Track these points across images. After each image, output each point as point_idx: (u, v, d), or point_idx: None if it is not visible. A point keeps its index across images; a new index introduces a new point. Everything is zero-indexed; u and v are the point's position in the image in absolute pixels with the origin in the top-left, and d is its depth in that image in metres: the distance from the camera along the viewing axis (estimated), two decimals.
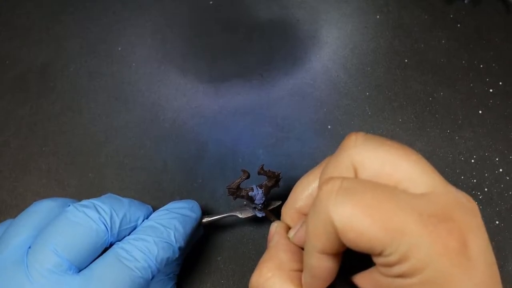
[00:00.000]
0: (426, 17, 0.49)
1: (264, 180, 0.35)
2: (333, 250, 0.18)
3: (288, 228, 0.25)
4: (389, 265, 0.17)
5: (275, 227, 0.24)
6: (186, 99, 0.47)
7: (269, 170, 0.34)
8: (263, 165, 0.33)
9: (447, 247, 0.16)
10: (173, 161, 0.44)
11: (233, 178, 0.36)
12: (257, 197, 0.35)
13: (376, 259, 0.18)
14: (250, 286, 0.21)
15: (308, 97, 0.46)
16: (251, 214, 0.37)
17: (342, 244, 0.18)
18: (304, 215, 0.24)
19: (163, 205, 0.35)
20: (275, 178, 0.35)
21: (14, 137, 0.46)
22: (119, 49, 0.49)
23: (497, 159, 0.43)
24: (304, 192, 0.24)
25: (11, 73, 0.49)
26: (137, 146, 0.45)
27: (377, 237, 0.16)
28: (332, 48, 0.49)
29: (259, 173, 0.34)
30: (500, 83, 0.46)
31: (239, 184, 0.34)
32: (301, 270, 0.21)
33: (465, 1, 0.49)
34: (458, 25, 0.49)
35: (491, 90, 0.46)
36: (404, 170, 0.18)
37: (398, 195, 0.17)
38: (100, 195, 0.32)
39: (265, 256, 0.22)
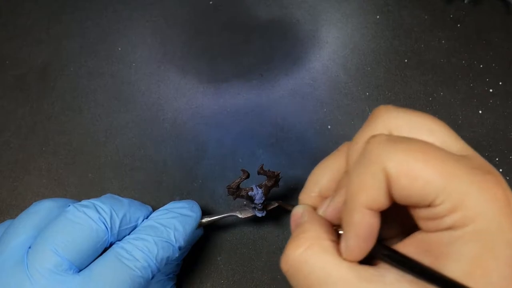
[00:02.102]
0: (426, 17, 0.49)
1: (263, 180, 0.35)
2: (379, 204, 0.18)
3: (314, 209, 0.24)
4: (439, 216, 0.17)
5: (302, 208, 0.23)
6: (186, 99, 0.47)
7: (268, 170, 0.34)
8: (262, 165, 0.33)
9: (496, 197, 0.16)
10: (173, 161, 0.44)
11: (233, 178, 0.36)
12: (257, 197, 0.34)
13: (423, 213, 0.17)
14: (285, 261, 0.19)
15: (308, 97, 0.46)
16: (251, 214, 0.37)
17: (389, 198, 0.17)
18: (325, 198, 0.23)
19: (163, 205, 0.36)
20: (274, 178, 0.35)
21: (14, 137, 0.46)
22: (119, 49, 0.49)
23: (497, 159, 0.43)
24: (324, 176, 0.23)
25: (11, 73, 0.49)
26: (137, 146, 0.45)
27: (432, 181, 0.16)
28: (332, 48, 0.49)
29: (259, 173, 0.34)
30: (500, 83, 0.46)
31: (239, 184, 0.34)
32: (337, 243, 0.20)
33: (465, 1, 0.49)
34: (458, 25, 0.49)
35: (491, 90, 0.46)
36: (440, 135, 0.18)
37: (443, 149, 0.17)
38: (100, 195, 0.32)
39: (297, 230, 0.20)
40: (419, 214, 0.18)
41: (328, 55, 0.48)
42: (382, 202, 0.18)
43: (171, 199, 0.42)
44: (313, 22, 0.50)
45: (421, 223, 0.18)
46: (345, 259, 0.19)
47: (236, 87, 0.47)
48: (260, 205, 0.35)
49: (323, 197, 0.23)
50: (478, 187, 0.16)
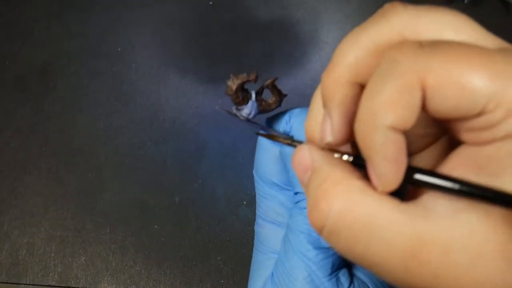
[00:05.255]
0: None
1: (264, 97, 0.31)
2: (409, 123, 0.14)
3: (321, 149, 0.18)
4: (493, 124, 0.14)
5: (308, 149, 0.18)
6: (186, 99, 0.47)
7: (279, 88, 0.29)
8: (277, 78, 0.29)
9: None
10: (173, 161, 0.44)
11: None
12: (253, 112, 0.29)
13: (470, 124, 0.14)
14: (315, 220, 0.16)
15: (308, 97, 0.46)
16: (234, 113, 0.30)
17: (417, 115, 0.14)
18: (362, 88, 0.18)
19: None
20: (280, 97, 0.30)
21: (14, 137, 0.46)
22: (119, 49, 0.49)
23: None
24: (358, 51, 0.17)
25: (11, 73, 0.49)
26: (137, 146, 0.45)
27: (482, 86, 0.13)
28: (332, 48, 0.49)
29: (267, 86, 0.29)
30: None
31: (243, 85, 0.28)
32: (365, 179, 0.16)
33: (465, 1, 0.49)
34: None
35: None
36: (467, 33, 0.15)
37: (483, 48, 0.15)
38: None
39: (317, 178, 0.16)
40: (464, 126, 0.15)
41: (328, 55, 0.48)
42: (413, 121, 0.14)
43: (171, 199, 0.42)
44: (313, 22, 0.50)
45: (466, 136, 0.15)
46: (382, 193, 0.15)
47: None
48: (247, 116, 0.29)
49: (359, 85, 0.17)
50: None
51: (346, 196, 0.15)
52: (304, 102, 0.46)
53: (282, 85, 0.47)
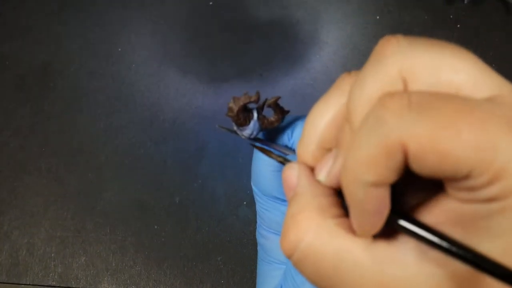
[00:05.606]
0: (426, 17, 0.49)
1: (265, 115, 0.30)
2: (390, 181, 0.14)
3: (311, 169, 0.19)
4: (476, 188, 0.14)
5: (297, 169, 0.18)
6: (186, 99, 0.47)
7: (281, 106, 0.28)
8: (279, 97, 0.28)
9: None
10: (173, 161, 0.44)
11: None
12: (254, 131, 0.28)
13: (456, 184, 0.14)
14: (286, 247, 0.16)
15: (308, 97, 0.46)
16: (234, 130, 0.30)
17: (400, 174, 0.14)
18: (328, 151, 0.19)
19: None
20: (282, 114, 0.29)
21: (14, 137, 0.46)
22: (119, 49, 0.49)
23: None
24: (323, 122, 0.18)
25: (11, 73, 0.49)
26: (137, 146, 0.45)
27: (466, 156, 0.13)
28: (332, 48, 0.49)
29: (269, 106, 0.28)
30: None
31: (245, 106, 0.27)
32: (344, 216, 0.17)
33: (465, 1, 0.49)
34: (458, 25, 0.49)
35: None
36: (465, 73, 0.15)
37: (477, 104, 0.14)
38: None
39: (296, 205, 0.17)
40: (448, 183, 0.15)
41: (328, 55, 0.48)
42: (394, 178, 0.14)
43: (171, 199, 0.42)
44: (313, 22, 0.50)
45: (451, 192, 0.15)
46: (358, 236, 0.16)
47: (236, 87, 0.47)
48: (249, 136, 0.29)
49: (325, 149, 0.18)
50: None
51: (316, 234, 0.16)
52: (304, 102, 0.46)
53: (282, 85, 0.47)
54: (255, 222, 0.41)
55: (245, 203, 0.37)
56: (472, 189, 0.14)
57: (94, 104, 0.47)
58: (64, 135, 0.46)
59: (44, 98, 0.47)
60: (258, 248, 0.31)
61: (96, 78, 0.48)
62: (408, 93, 0.14)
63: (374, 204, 0.15)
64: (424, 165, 0.14)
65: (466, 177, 0.14)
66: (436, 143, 0.13)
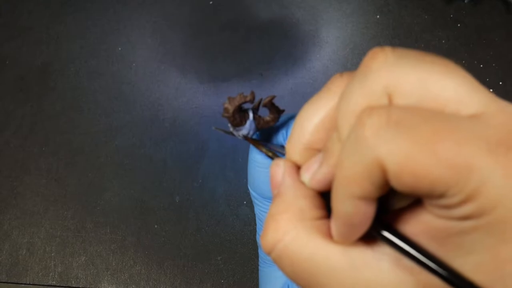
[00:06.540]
0: (426, 17, 0.49)
1: (259, 113, 0.30)
2: (374, 195, 0.15)
3: (297, 167, 0.20)
4: (451, 206, 0.14)
5: (282, 167, 0.19)
6: (186, 99, 0.47)
7: (276, 105, 0.28)
8: (274, 96, 0.28)
9: None
10: (173, 161, 0.44)
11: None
12: (250, 132, 0.29)
13: (432, 201, 0.15)
14: (265, 245, 0.17)
15: (308, 96, 0.46)
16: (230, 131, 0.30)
17: (387, 188, 0.15)
18: (316, 151, 0.19)
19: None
20: (278, 114, 0.29)
21: (14, 137, 0.46)
22: (119, 49, 0.49)
23: None
24: (312, 123, 0.19)
25: (11, 73, 0.49)
26: (137, 146, 0.45)
27: (441, 177, 0.13)
28: (332, 48, 0.49)
29: (264, 105, 0.28)
30: (500, 83, 0.46)
31: (240, 106, 0.27)
32: (324, 218, 0.17)
33: (465, 1, 0.49)
34: (458, 25, 0.49)
35: (491, 90, 0.46)
36: (452, 89, 0.15)
37: (459, 123, 0.14)
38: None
39: (278, 205, 0.17)
40: (425, 199, 0.15)
41: (328, 55, 0.48)
42: (378, 193, 0.15)
43: (171, 199, 0.42)
44: (313, 22, 0.50)
45: (428, 207, 0.15)
46: (335, 242, 0.16)
47: (236, 87, 0.47)
48: (245, 135, 0.29)
49: (312, 150, 0.19)
50: (501, 172, 0.13)
51: (293, 236, 0.16)
52: (304, 101, 0.46)
53: (282, 84, 0.47)
54: (255, 221, 0.41)
55: (245, 202, 0.37)
56: (447, 207, 0.14)
57: (94, 104, 0.47)
58: (64, 135, 0.46)
59: (44, 98, 0.47)
60: (259, 250, 0.31)
61: (96, 78, 0.48)
62: (388, 109, 0.15)
63: (360, 217, 0.15)
64: (401, 183, 0.14)
65: (441, 196, 0.14)
66: (411, 163, 0.14)
